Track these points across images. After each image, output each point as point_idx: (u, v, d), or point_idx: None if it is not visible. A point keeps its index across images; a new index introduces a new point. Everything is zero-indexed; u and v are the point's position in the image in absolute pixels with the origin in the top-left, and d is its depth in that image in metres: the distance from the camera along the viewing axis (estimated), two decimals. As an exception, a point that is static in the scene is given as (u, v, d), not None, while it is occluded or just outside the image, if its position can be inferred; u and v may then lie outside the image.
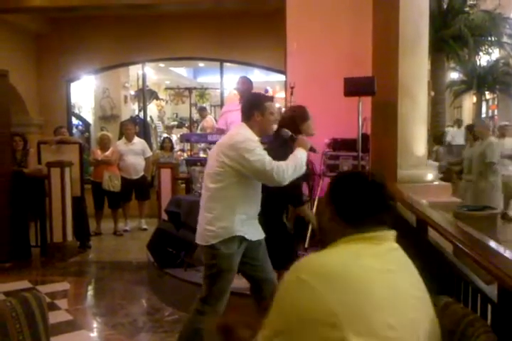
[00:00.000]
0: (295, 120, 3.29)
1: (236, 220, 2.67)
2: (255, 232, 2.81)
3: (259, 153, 2.62)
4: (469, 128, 7.04)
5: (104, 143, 6.90)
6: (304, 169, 2.74)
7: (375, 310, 1.12)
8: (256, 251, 2.82)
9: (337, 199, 1.40)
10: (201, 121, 8.97)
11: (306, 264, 1.23)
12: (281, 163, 2.64)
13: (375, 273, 1.20)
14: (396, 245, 1.34)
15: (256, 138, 2.74)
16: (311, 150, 2.92)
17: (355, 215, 1.35)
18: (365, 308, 1.12)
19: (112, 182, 6.75)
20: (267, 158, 2.62)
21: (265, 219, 2.97)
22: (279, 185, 2.66)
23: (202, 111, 9.25)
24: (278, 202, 3.22)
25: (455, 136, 14.95)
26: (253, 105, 2.82)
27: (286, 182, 2.66)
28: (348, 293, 1.13)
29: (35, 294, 1.78)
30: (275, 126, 3.14)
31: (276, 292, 1.22)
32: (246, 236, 2.71)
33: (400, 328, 1.13)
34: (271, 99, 2.93)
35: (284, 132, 2.98)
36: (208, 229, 2.69)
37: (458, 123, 16.23)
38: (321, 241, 1.41)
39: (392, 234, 1.35)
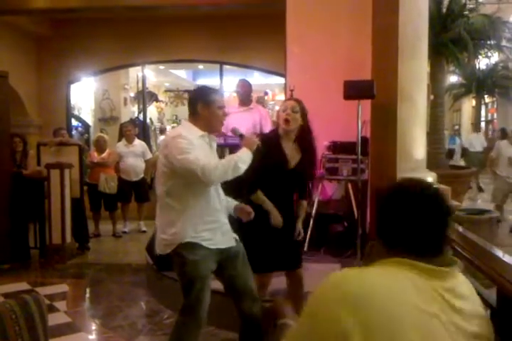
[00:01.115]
0: None
1: (186, 226, 2.47)
2: (217, 239, 2.56)
3: (186, 151, 2.38)
4: None
5: (100, 145, 6.91)
6: (242, 169, 2.48)
7: None
8: (234, 262, 2.65)
9: (379, 219, 1.19)
10: None
11: (343, 281, 1.05)
12: (212, 162, 2.44)
13: (415, 315, 0.99)
14: (451, 284, 1.08)
15: (196, 134, 2.52)
16: (258, 148, 2.63)
17: (399, 241, 1.13)
18: None
19: (108, 184, 6.75)
20: (193, 156, 2.38)
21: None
22: (206, 185, 2.46)
23: None
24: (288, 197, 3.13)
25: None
26: (197, 97, 2.59)
27: (215, 183, 2.48)
28: (376, 328, 0.97)
29: (35, 296, 1.78)
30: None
31: (308, 303, 1.08)
32: (204, 244, 2.49)
33: None
34: (219, 92, 2.73)
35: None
36: (162, 237, 2.54)
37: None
38: (368, 253, 1.26)
39: (449, 270, 1.09)
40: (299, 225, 3.14)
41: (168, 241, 2.52)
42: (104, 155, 6.85)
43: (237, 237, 2.72)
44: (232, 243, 2.65)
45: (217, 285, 2.75)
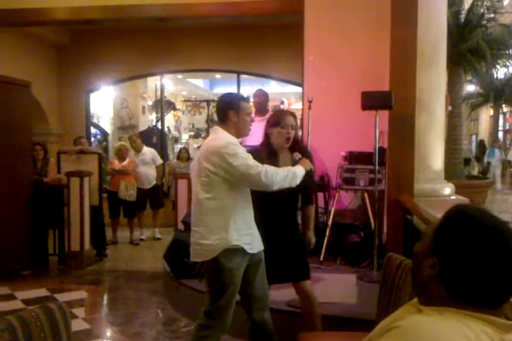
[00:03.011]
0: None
1: (232, 230, 2.53)
2: (255, 244, 2.65)
3: (242, 157, 2.48)
4: None
5: (121, 153, 7.02)
6: (298, 180, 2.61)
7: None
8: (254, 268, 2.70)
9: (446, 261, 1.00)
10: None
11: (415, 337, 0.92)
12: (272, 167, 2.55)
13: None
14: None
15: (236, 141, 2.62)
16: (310, 171, 2.77)
17: (470, 292, 0.98)
18: None
19: (127, 191, 6.84)
20: (251, 161, 2.50)
21: (280, 229, 2.91)
22: (267, 189, 2.53)
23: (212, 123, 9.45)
24: (291, 207, 3.05)
25: None
26: (227, 104, 2.67)
27: (275, 188, 2.52)
28: None
29: (59, 304, 1.82)
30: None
31: None
32: (245, 248, 2.57)
33: None
34: (247, 100, 2.77)
35: (295, 155, 2.84)
36: (203, 243, 2.57)
37: None
38: (414, 289, 1.13)
39: None
40: (310, 234, 3.10)
41: (212, 246, 2.54)
42: (125, 163, 6.97)
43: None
44: (261, 246, 2.72)
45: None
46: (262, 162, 2.63)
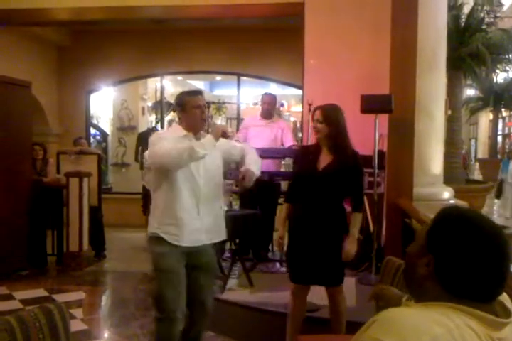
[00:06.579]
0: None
1: (153, 219, 2.72)
2: (185, 236, 2.65)
3: (153, 143, 2.62)
4: None
5: None
6: (200, 154, 2.49)
7: None
8: (198, 274, 2.75)
9: (441, 258, 1.03)
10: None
11: (394, 327, 0.93)
12: (167, 146, 2.55)
13: None
14: (505, 335, 0.99)
15: (180, 133, 2.68)
16: (224, 135, 2.66)
17: (464, 287, 1.01)
18: None
19: None
20: (157, 146, 2.58)
21: (321, 229, 2.88)
22: (167, 168, 2.59)
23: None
24: (333, 210, 2.97)
25: None
26: (175, 104, 2.85)
27: (173, 164, 2.54)
28: None
29: (59, 305, 1.83)
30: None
31: None
32: (166, 238, 2.64)
33: None
34: (194, 93, 2.80)
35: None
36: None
37: None
38: (406, 282, 1.18)
39: (510, 321, 1.00)
40: (348, 245, 2.88)
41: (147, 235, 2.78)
42: None
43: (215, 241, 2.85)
44: (197, 243, 2.71)
45: (231, 296, 2.76)
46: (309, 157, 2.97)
